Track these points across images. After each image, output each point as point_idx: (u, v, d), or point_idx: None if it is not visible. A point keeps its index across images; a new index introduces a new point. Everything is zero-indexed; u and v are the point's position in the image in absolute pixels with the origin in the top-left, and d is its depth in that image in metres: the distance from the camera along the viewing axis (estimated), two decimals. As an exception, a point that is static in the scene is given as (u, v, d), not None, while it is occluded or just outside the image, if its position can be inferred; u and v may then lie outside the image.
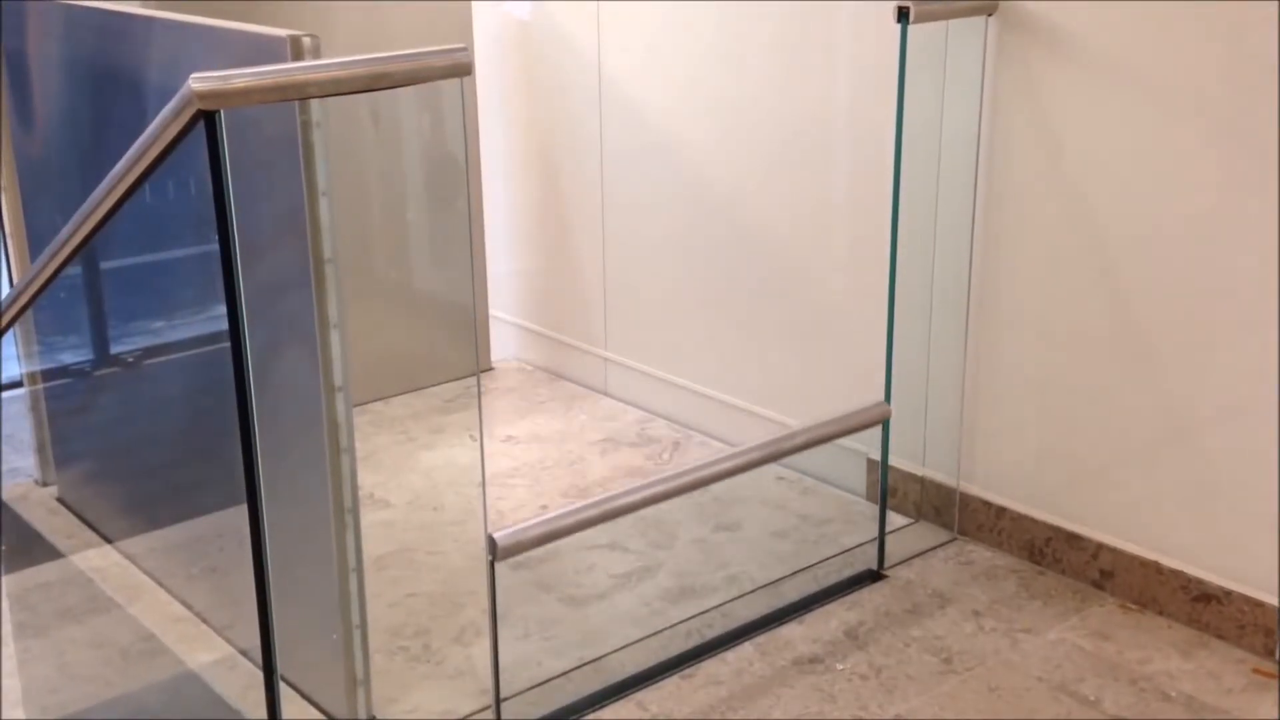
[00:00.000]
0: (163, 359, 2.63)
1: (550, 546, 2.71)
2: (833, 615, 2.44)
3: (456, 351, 3.58)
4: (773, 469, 3.07)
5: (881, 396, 2.59)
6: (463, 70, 1.73)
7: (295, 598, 2.05)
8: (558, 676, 2.29)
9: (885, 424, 2.59)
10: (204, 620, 2.49)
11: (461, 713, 2.19)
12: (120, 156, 1.82)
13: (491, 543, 2.03)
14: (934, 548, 2.68)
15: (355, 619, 2.05)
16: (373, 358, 3.41)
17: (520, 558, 2.67)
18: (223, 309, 1.71)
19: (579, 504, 2.19)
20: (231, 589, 2.42)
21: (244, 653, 2.35)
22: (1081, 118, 2.36)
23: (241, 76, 1.60)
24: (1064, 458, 2.53)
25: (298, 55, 1.78)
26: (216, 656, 2.38)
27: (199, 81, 1.57)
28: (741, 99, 2.98)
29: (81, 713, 2.26)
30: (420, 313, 3.54)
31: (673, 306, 3.31)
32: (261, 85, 1.62)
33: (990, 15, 2.45)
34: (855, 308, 2.84)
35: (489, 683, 2.14)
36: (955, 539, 2.71)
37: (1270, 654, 2.27)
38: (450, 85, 1.77)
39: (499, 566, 2.62)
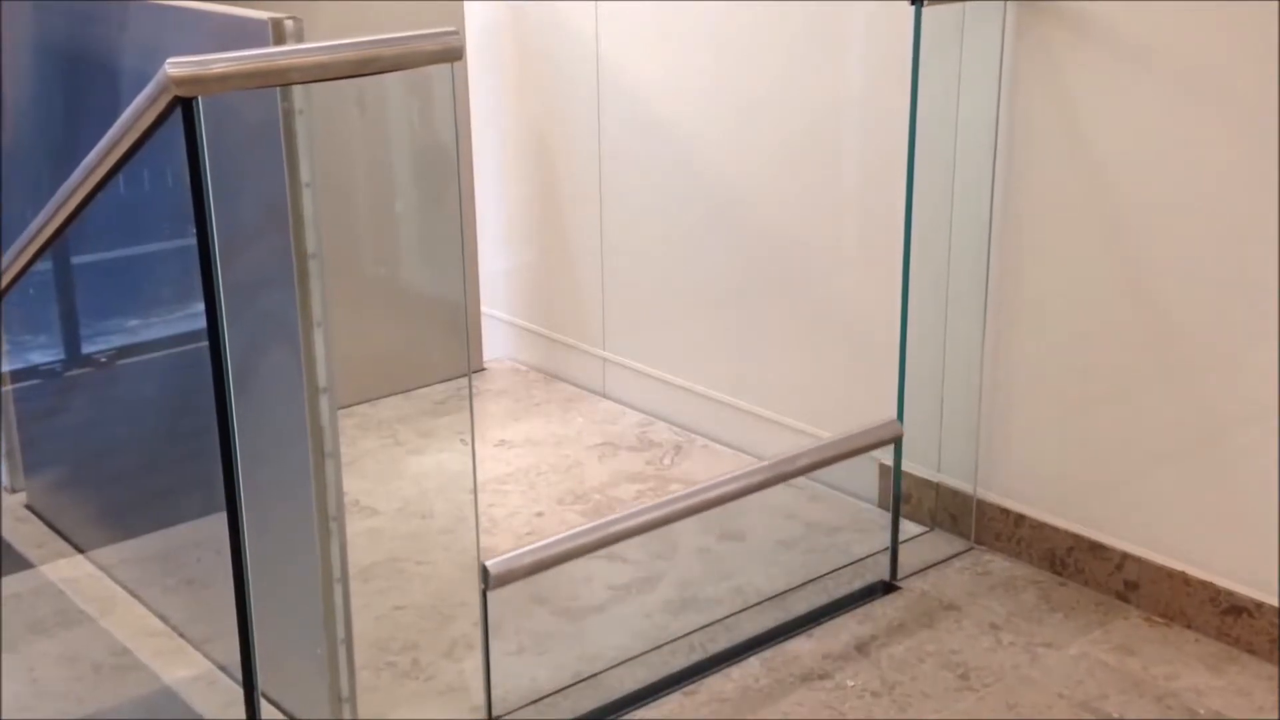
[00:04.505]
0: (138, 359, 2.62)
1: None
2: (843, 628, 2.42)
3: (447, 351, 3.56)
4: (777, 473, 3.04)
5: (894, 398, 2.55)
6: (453, 55, 1.72)
7: (277, 610, 2.03)
8: (554, 693, 2.25)
9: (897, 439, 2.56)
10: (181, 634, 2.46)
11: (453, 731, 2.17)
12: (93, 146, 1.81)
13: (484, 571, 2.04)
14: (949, 557, 2.66)
15: (340, 632, 2.03)
16: (359, 358, 3.38)
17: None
18: (201, 306, 1.71)
19: (578, 529, 2.22)
20: (210, 601, 2.40)
21: (223, 668, 2.33)
22: (1105, 103, 2.33)
23: (220, 61, 1.60)
24: (1086, 463, 2.50)
25: (280, 39, 1.76)
26: (195, 672, 2.36)
27: (176, 66, 1.56)
28: (746, 86, 2.96)
29: (52, 732, 2.25)
30: (409, 310, 3.53)
31: (674, 304, 3.28)
32: (242, 70, 1.62)
33: (1009, -3, 2.43)
34: (866, 305, 2.81)
35: (481, 699, 2.11)
36: (972, 548, 2.69)
37: (1303, 670, 2.25)
38: (440, 71, 1.76)
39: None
